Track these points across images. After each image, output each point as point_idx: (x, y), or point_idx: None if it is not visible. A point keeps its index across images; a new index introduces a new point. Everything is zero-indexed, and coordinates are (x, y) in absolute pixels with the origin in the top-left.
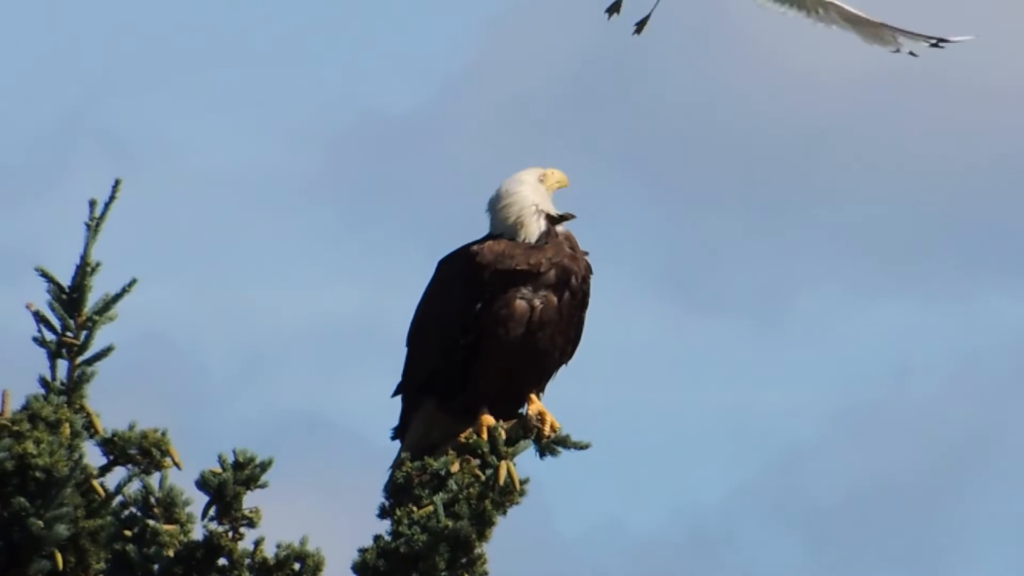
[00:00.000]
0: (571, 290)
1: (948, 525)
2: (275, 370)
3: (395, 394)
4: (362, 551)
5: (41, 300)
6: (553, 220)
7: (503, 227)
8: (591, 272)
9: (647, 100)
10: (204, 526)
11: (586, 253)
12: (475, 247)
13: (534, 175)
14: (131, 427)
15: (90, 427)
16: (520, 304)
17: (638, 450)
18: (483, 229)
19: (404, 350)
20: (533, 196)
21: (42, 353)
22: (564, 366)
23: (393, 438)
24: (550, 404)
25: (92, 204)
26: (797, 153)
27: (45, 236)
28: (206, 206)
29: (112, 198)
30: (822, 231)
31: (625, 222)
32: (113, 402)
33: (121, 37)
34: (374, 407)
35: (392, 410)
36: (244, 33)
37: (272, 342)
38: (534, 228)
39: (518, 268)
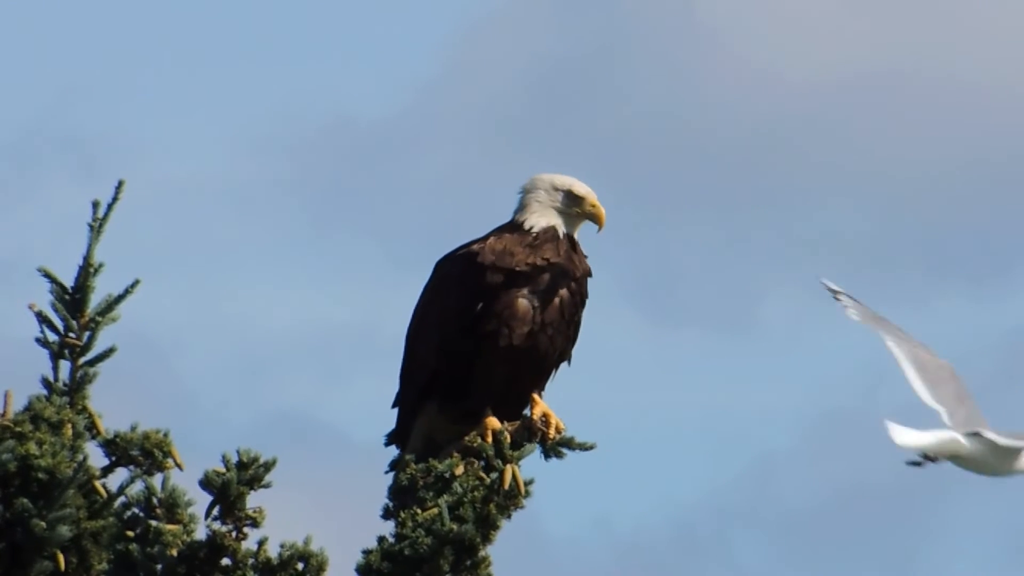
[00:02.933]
0: (570, 291)
1: (922, 531)
2: (256, 373)
3: (394, 404)
4: (366, 553)
5: (21, 304)
6: (571, 239)
7: (518, 209)
8: (590, 274)
9: (620, 108)
10: (207, 526)
11: (586, 256)
12: (476, 246)
13: (581, 188)
14: (133, 428)
15: (92, 428)
16: (523, 304)
17: (616, 457)
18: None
19: (401, 352)
20: (560, 201)
21: (44, 354)
22: (566, 364)
23: (387, 444)
24: (552, 405)
25: (95, 205)
26: (771, 158)
27: (17, 240)
28: (178, 212)
29: (115, 199)
30: (795, 236)
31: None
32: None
33: (91, 43)
34: (357, 408)
35: (374, 411)
36: (218, 39)
37: (252, 346)
38: (544, 222)
39: (518, 268)
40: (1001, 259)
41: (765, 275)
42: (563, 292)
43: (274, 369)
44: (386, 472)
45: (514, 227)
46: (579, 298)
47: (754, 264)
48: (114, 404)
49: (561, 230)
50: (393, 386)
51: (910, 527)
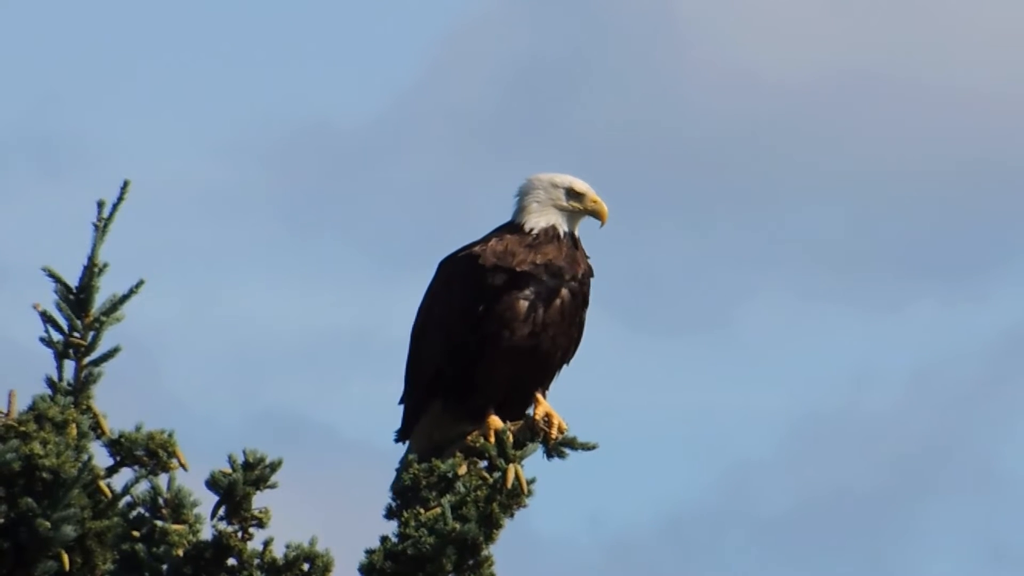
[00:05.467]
0: (571, 290)
1: (901, 535)
2: (240, 375)
3: (401, 401)
4: (369, 552)
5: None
6: (572, 237)
7: (517, 211)
8: (592, 274)
9: (600, 112)
10: (213, 526)
11: (587, 256)
12: (477, 248)
13: (581, 185)
14: (138, 428)
15: (97, 428)
16: (523, 304)
17: (599, 461)
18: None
19: (391, 351)
20: (562, 198)
21: (49, 353)
22: (566, 365)
23: (397, 440)
24: (554, 405)
25: (100, 205)
26: (749, 161)
27: None
28: (156, 215)
29: (120, 199)
30: (773, 240)
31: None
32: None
33: (67, 46)
34: (348, 407)
35: (362, 410)
36: (198, 44)
37: (234, 348)
38: (543, 222)
39: (519, 268)
40: (979, 261)
41: (743, 278)
42: (564, 293)
43: (258, 371)
44: (396, 470)
45: (514, 228)
46: (581, 298)
47: (733, 267)
48: (103, 406)
49: (562, 229)
50: (379, 384)
51: (890, 530)
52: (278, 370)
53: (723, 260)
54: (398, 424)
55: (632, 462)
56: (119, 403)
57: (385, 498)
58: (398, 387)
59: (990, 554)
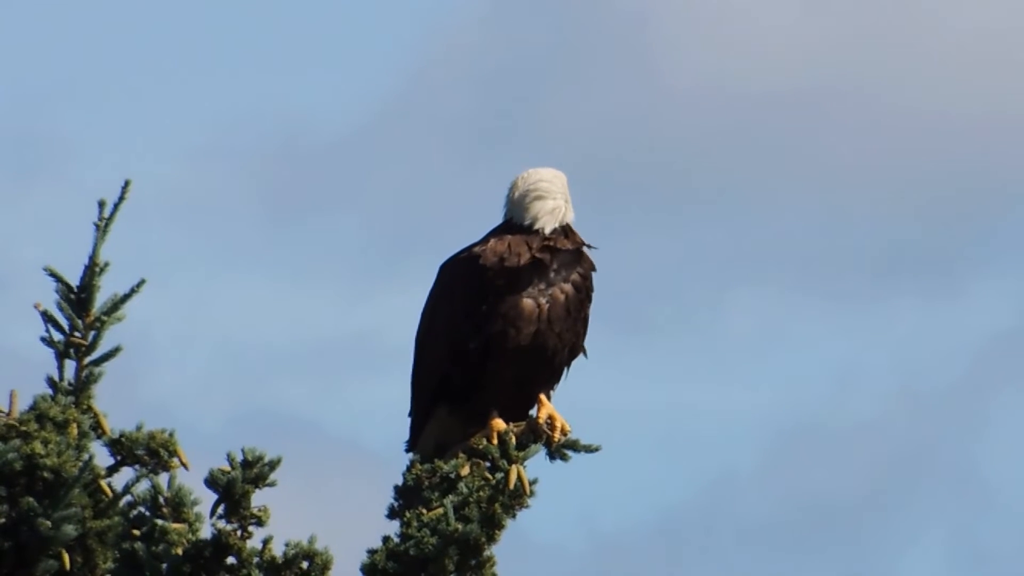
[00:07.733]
0: (575, 285)
1: (882, 539)
2: (220, 378)
3: (410, 413)
4: (371, 552)
5: None
6: (569, 231)
7: (521, 211)
8: (594, 268)
9: (582, 120)
10: (212, 524)
11: (591, 247)
12: (477, 248)
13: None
14: (139, 428)
15: (97, 427)
16: (528, 303)
17: (576, 467)
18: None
19: (406, 360)
20: (564, 193)
21: (50, 353)
22: (581, 358)
23: (408, 451)
24: (558, 407)
25: (101, 204)
26: (729, 163)
27: None
28: (133, 218)
29: (121, 199)
30: (753, 243)
31: None
32: None
33: (46, 47)
34: (330, 406)
35: (345, 409)
36: (180, 48)
37: (217, 350)
38: (552, 221)
39: (523, 266)
40: (961, 262)
41: (723, 280)
42: (567, 288)
43: (245, 373)
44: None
45: (521, 228)
46: (584, 293)
47: (713, 270)
48: (102, 406)
49: (571, 223)
50: (369, 384)
51: (872, 534)
52: (266, 371)
53: (704, 262)
54: (393, 422)
55: (615, 466)
56: (109, 404)
57: (380, 497)
58: (387, 387)
59: (972, 558)
